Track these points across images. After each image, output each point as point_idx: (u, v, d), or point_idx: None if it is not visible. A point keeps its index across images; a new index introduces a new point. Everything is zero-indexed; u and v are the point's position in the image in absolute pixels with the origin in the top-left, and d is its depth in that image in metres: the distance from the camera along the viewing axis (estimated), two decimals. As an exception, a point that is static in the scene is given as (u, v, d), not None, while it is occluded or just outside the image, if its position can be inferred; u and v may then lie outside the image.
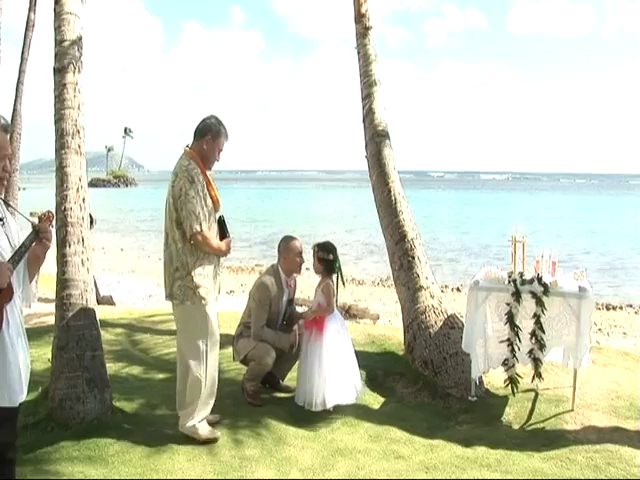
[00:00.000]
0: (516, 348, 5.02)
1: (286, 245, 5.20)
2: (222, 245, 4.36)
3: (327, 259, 5.11)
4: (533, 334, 4.95)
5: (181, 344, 4.45)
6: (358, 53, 6.93)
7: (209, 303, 4.27)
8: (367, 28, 6.86)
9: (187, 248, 4.20)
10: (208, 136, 4.29)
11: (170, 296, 4.30)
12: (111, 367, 5.21)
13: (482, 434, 4.55)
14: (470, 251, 23.29)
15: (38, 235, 2.74)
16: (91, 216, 5.33)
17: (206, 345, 4.29)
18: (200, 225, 4.15)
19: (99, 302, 10.33)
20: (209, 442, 4.28)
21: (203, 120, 4.36)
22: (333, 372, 4.89)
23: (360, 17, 6.87)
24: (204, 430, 4.35)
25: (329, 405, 4.85)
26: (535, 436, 4.54)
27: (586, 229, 32.78)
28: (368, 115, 6.78)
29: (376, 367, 5.93)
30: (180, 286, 4.22)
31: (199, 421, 4.35)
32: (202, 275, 4.23)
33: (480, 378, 5.28)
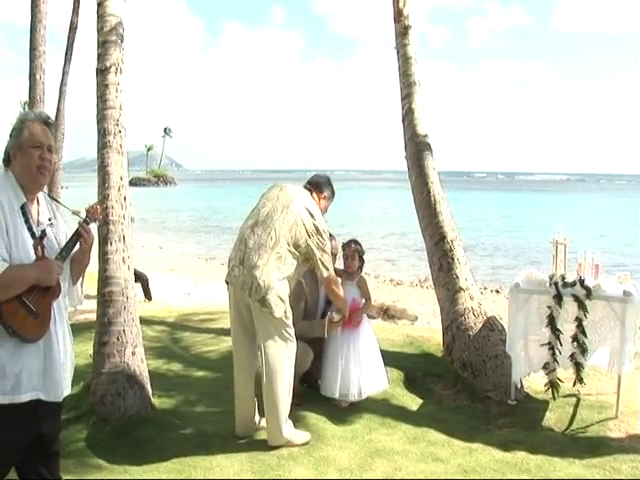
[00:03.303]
0: (557, 352, 4.93)
1: None
2: (344, 302, 4.78)
3: (362, 255, 5.22)
4: (575, 338, 4.85)
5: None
6: (398, 53, 6.88)
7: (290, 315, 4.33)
8: (407, 27, 6.81)
9: (294, 270, 4.28)
10: (325, 194, 4.69)
11: (262, 302, 4.15)
12: (151, 364, 5.27)
13: (522, 438, 4.47)
14: (512, 252, 22.96)
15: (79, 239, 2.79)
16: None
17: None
18: (332, 268, 4.48)
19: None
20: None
21: (320, 177, 4.82)
22: (369, 361, 4.97)
23: (399, 16, 6.82)
24: (297, 436, 4.35)
25: (364, 395, 4.91)
26: (577, 443, 4.44)
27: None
28: (407, 115, 6.73)
29: (415, 368, 5.89)
30: (273, 295, 4.12)
31: (290, 424, 4.34)
32: (283, 293, 4.20)
33: (520, 381, 5.20)
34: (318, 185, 4.68)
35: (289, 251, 4.22)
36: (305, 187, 4.62)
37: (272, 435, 4.28)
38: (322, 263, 4.35)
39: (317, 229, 4.31)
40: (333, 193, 4.77)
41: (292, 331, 4.30)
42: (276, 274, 4.15)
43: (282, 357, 4.23)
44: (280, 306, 4.15)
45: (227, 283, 4.42)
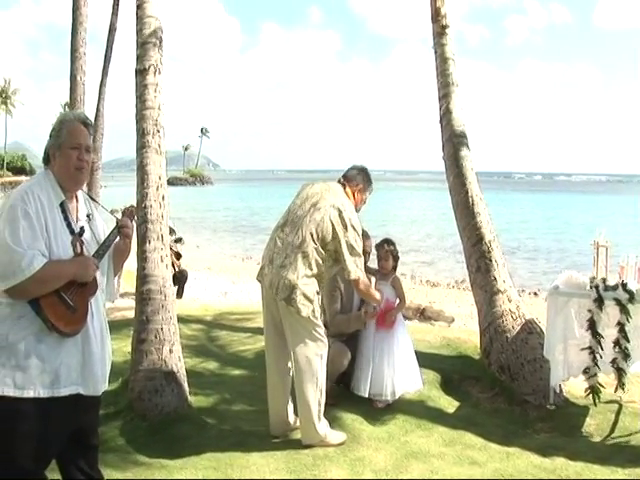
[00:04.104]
0: (598, 356, 4.82)
1: None
2: (376, 293, 4.62)
3: (396, 255, 5.19)
4: (617, 343, 4.74)
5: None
6: (435, 52, 6.82)
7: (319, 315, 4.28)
8: (444, 27, 6.74)
9: (323, 270, 4.22)
10: (360, 186, 4.54)
11: (288, 301, 4.13)
12: (187, 362, 5.32)
13: (561, 444, 4.39)
14: (554, 256, 22.61)
15: (120, 230, 2.84)
16: (172, 229, 5.46)
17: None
18: (361, 270, 4.32)
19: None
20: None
21: (355, 168, 4.61)
22: (402, 362, 4.95)
23: (437, 16, 6.76)
24: (333, 436, 4.32)
25: (397, 395, 4.90)
26: (619, 451, 4.32)
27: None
28: (445, 115, 6.67)
29: (451, 370, 5.82)
30: (300, 295, 4.10)
31: (325, 424, 4.31)
32: (310, 292, 4.16)
33: (559, 386, 5.10)
34: (351, 177, 4.55)
35: (316, 250, 4.17)
36: (338, 181, 4.54)
37: (305, 434, 4.29)
38: (348, 263, 4.24)
39: (346, 225, 4.21)
40: (369, 183, 4.61)
41: (322, 330, 4.27)
42: (302, 273, 4.12)
43: (311, 357, 4.20)
44: (307, 305, 4.12)
45: (259, 281, 4.43)
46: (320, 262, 4.19)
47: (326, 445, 4.24)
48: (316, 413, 4.23)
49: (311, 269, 4.16)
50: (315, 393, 4.22)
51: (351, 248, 4.23)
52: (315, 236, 4.17)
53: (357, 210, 4.49)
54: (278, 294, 4.14)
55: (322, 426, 4.27)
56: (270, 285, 4.20)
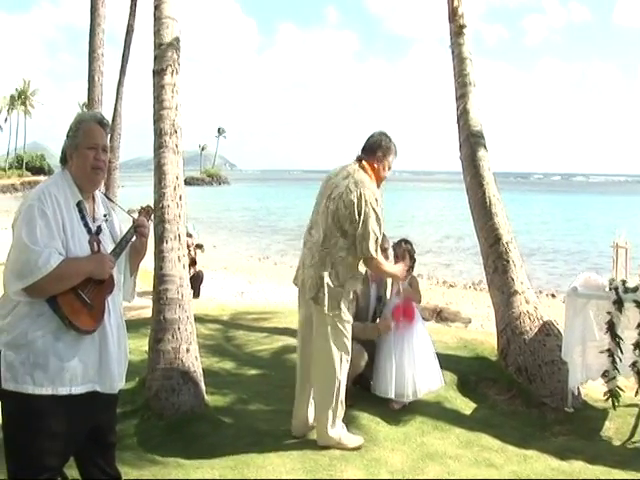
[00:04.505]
0: (617, 359, 4.77)
1: None
2: (397, 269, 4.45)
3: (414, 255, 5.18)
4: (637, 345, 4.69)
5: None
6: (452, 52, 6.79)
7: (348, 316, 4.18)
8: (461, 27, 6.71)
9: (349, 262, 4.09)
10: (379, 153, 4.24)
11: (315, 300, 4.09)
12: (204, 361, 5.33)
13: (579, 447, 4.35)
14: (575, 257, 22.41)
15: (137, 230, 2.86)
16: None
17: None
18: (376, 251, 4.08)
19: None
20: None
21: (373, 135, 4.30)
22: (423, 360, 4.93)
23: (454, 16, 6.73)
24: (349, 438, 4.27)
25: (420, 394, 4.88)
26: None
27: None
28: (462, 116, 6.64)
29: (468, 372, 5.78)
30: (327, 292, 4.04)
31: (341, 427, 4.25)
32: (349, 292, 4.14)
33: (577, 389, 5.05)
34: (367, 149, 4.27)
35: (336, 244, 4.06)
36: (356, 159, 4.29)
37: (320, 434, 4.26)
38: (365, 241, 4.01)
39: (360, 205, 4.00)
40: (388, 147, 4.27)
41: (348, 330, 4.18)
42: (328, 270, 4.07)
43: (333, 356, 4.14)
44: (332, 303, 4.05)
45: (295, 285, 4.39)
46: (344, 255, 4.07)
47: (341, 448, 4.20)
48: (330, 416, 4.18)
49: (335, 265, 4.07)
50: (331, 395, 4.17)
51: (366, 227, 4.02)
52: (334, 228, 4.07)
53: (381, 181, 4.29)
54: (307, 294, 4.13)
55: (335, 430, 4.21)
56: (302, 285, 4.21)
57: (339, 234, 4.07)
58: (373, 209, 4.05)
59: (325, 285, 4.05)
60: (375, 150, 4.25)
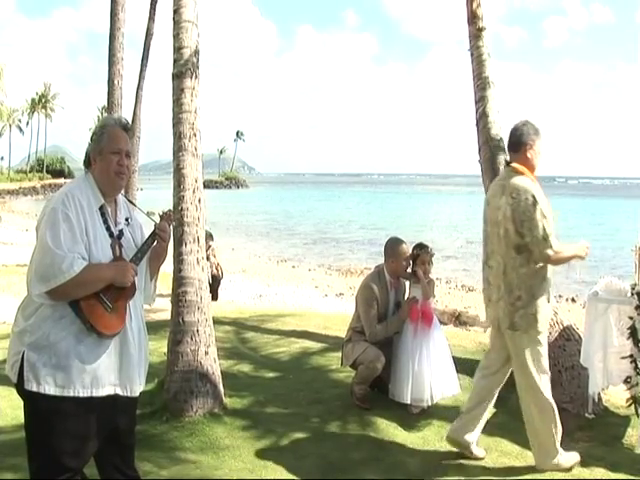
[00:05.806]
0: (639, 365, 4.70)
1: (394, 248, 5.19)
2: (575, 249, 4.05)
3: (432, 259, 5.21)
4: (659, 351, 4.62)
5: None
6: (471, 55, 6.75)
7: (545, 331, 4.05)
8: (480, 29, 6.67)
9: (531, 272, 3.89)
10: (527, 144, 4.01)
11: (512, 326, 3.94)
12: (222, 364, 5.35)
13: (600, 454, 4.28)
14: (607, 264, 22.10)
15: (158, 234, 2.87)
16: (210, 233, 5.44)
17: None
18: (552, 247, 3.82)
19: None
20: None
21: (516, 129, 4.07)
22: (440, 365, 4.94)
23: (473, 18, 6.68)
24: (566, 458, 4.09)
25: (435, 399, 4.89)
26: (664, 464, 4.19)
27: None
28: (481, 119, 6.59)
29: (487, 376, 5.74)
30: (523, 315, 3.90)
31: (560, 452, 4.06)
32: (544, 303, 3.97)
33: (598, 395, 4.97)
34: (514, 144, 4.08)
35: (515, 264, 3.90)
36: (505, 163, 4.23)
37: (541, 462, 4.06)
38: (538, 244, 3.81)
39: (522, 211, 3.83)
40: (535, 134, 4.03)
41: (544, 350, 4.01)
42: (515, 295, 3.93)
43: (536, 382, 3.99)
44: (527, 320, 3.91)
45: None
46: (525, 270, 3.89)
47: (560, 470, 4.02)
48: (551, 442, 4.02)
49: (521, 284, 3.90)
50: (545, 419, 4.03)
51: (534, 230, 3.80)
52: (510, 251, 3.91)
53: (534, 169, 4.05)
54: (501, 326, 4.01)
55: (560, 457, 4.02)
56: (493, 321, 4.12)
57: (515, 253, 3.91)
58: (534, 208, 3.84)
59: (518, 308, 3.91)
60: (524, 143, 4.02)
